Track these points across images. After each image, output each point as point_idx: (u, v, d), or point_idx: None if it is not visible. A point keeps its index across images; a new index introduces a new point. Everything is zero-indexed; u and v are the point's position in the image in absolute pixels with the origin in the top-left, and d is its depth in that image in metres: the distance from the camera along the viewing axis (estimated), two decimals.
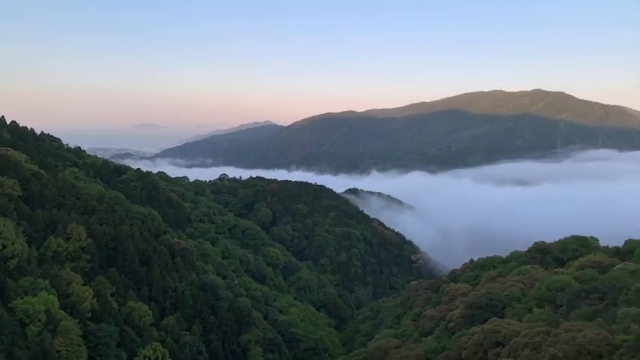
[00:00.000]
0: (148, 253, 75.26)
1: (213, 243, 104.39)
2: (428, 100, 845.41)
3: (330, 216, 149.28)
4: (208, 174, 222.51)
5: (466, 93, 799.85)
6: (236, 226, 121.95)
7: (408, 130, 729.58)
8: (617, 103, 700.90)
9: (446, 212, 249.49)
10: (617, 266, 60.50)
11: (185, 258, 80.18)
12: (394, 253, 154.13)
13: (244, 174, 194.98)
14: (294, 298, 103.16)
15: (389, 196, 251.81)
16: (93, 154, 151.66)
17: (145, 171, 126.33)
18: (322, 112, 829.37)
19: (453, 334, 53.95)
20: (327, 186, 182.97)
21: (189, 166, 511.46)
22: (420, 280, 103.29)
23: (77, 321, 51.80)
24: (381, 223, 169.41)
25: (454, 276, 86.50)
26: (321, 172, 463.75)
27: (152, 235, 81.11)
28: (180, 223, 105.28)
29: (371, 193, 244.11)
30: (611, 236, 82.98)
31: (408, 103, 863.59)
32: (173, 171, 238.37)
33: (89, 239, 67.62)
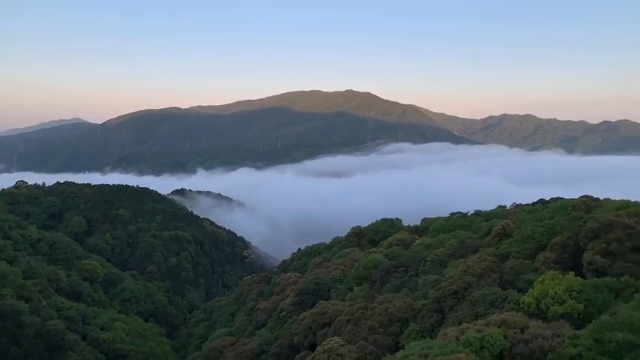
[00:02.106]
0: None
1: (11, 262, 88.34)
2: (254, 97, 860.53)
3: (155, 220, 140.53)
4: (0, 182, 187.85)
5: (289, 92, 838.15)
6: (41, 240, 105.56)
7: (235, 127, 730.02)
8: (412, 103, 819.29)
9: (273, 206, 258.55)
10: (417, 242, 70.93)
11: None
12: (226, 251, 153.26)
13: (49, 179, 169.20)
14: (119, 312, 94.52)
15: (219, 194, 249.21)
16: None
17: None
18: (142, 109, 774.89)
19: (285, 323, 56.29)
20: (151, 188, 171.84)
21: None
22: (253, 275, 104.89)
23: None
24: (212, 223, 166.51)
25: (284, 266, 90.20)
26: (142, 173, 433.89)
27: None
28: None
29: (199, 192, 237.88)
30: (410, 216, 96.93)
31: (234, 101, 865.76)
32: None
33: None
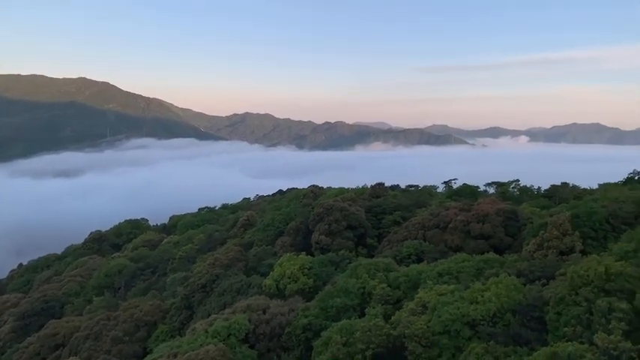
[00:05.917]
0: None
1: None
2: None
3: None
4: None
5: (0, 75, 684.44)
6: None
7: None
8: (157, 96, 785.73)
9: None
10: (165, 240, 69.02)
11: None
12: None
13: None
14: None
15: None
16: None
17: None
18: None
19: (2, 354, 46.49)
20: None
21: None
22: None
23: None
24: None
25: None
26: None
27: None
28: None
29: None
30: (158, 214, 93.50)
31: None
32: None
33: None
